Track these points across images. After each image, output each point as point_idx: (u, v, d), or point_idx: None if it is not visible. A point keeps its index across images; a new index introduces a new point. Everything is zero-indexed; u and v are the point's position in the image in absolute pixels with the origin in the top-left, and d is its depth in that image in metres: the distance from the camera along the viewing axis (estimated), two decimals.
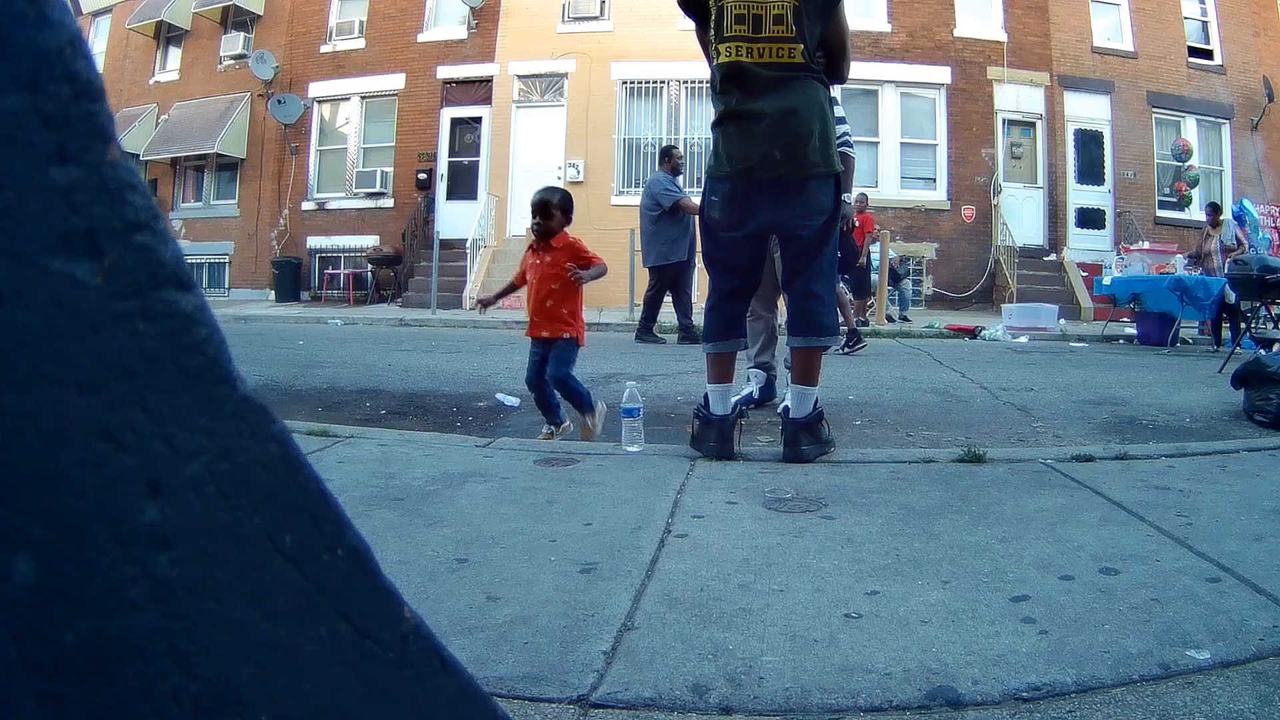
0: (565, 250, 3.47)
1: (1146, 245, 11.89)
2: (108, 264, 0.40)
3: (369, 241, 15.24)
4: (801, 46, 2.69)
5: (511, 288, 3.78)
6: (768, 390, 4.37)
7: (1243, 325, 7.97)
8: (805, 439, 2.85)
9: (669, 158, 8.33)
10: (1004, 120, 14.23)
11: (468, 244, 13.59)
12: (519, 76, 14.65)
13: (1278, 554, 1.87)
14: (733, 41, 2.70)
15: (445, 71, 15.07)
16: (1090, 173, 14.49)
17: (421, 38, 15.35)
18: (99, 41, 17.78)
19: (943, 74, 14.17)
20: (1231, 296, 8.31)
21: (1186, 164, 14.52)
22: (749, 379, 4.34)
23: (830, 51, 2.80)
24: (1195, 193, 14.41)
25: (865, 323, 9.66)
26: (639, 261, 12.62)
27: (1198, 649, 1.39)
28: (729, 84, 2.75)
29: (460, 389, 5.10)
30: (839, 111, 4.01)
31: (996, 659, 1.38)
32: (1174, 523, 2.11)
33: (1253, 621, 1.50)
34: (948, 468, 2.73)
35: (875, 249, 11.68)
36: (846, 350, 7.27)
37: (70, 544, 0.38)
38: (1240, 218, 11.31)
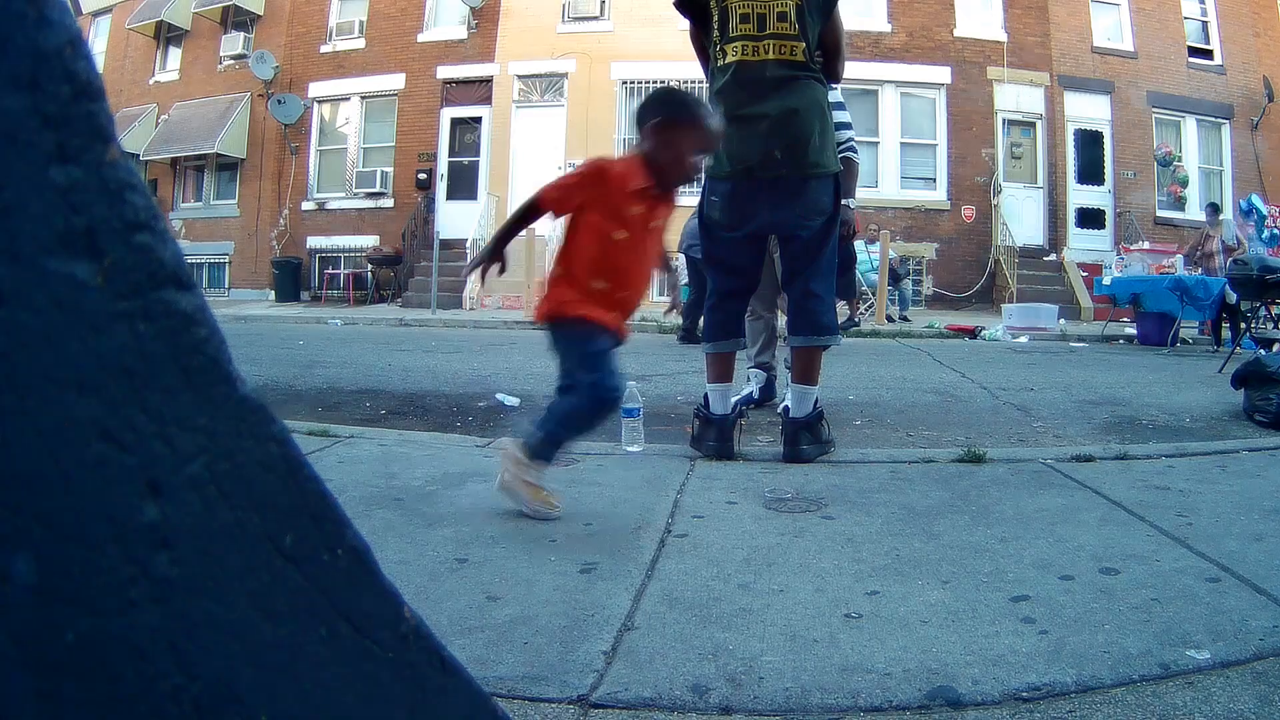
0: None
1: (1146, 245, 11.90)
2: (108, 264, 0.40)
3: (369, 241, 15.25)
4: (804, 45, 2.70)
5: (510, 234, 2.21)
6: (768, 390, 4.37)
7: (1243, 325, 7.97)
8: (805, 439, 2.85)
9: None
10: (1004, 120, 14.23)
11: (468, 244, 13.59)
12: (519, 76, 14.65)
13: (1278, 554, 1.87)
14: (739, 41, 2.70)
15: (445, 71, 15.08)
16: (1090, 173, 14.50)
17: (421, 38, 15.35)
18: (99, 41, 17.77)
19: (943, 74, 14.18)
20: (1232, 297, 8.30)
21: (1172, 166, 14.55)
22: (749, 379, 4.34)
23: (826, 51, 2.80)
24: (1190, 191, 14.42)
25: (856, 323, 9.64)
26: None
27: (1198, 649, 1.39)
28: (733, 84, 2.75)
29: (460, 389, 5.10)
30: (845, 116, 4.00)
31: (996, 659, 1.38)
32: (1174, 523, 2.11)
33: (1253, 621, 1.50)
34: (948, 468, 2.73)
35: (874, 249, 11.70)
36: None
37: (70, 544, 0.38)
38: (1249, 213, 11.30)
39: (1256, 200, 11.68)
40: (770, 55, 2.69)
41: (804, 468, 2.75)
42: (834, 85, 2.98)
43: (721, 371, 3.01)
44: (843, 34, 2.86)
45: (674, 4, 2.88)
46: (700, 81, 2.91)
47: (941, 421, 4.11)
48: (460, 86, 14.99)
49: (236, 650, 0.43)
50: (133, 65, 17.54)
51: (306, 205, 15.89)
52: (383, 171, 15.32)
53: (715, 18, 2.75)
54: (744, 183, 2.79)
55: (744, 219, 2.84)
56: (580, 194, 2.14)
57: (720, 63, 2.77)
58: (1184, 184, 14.48)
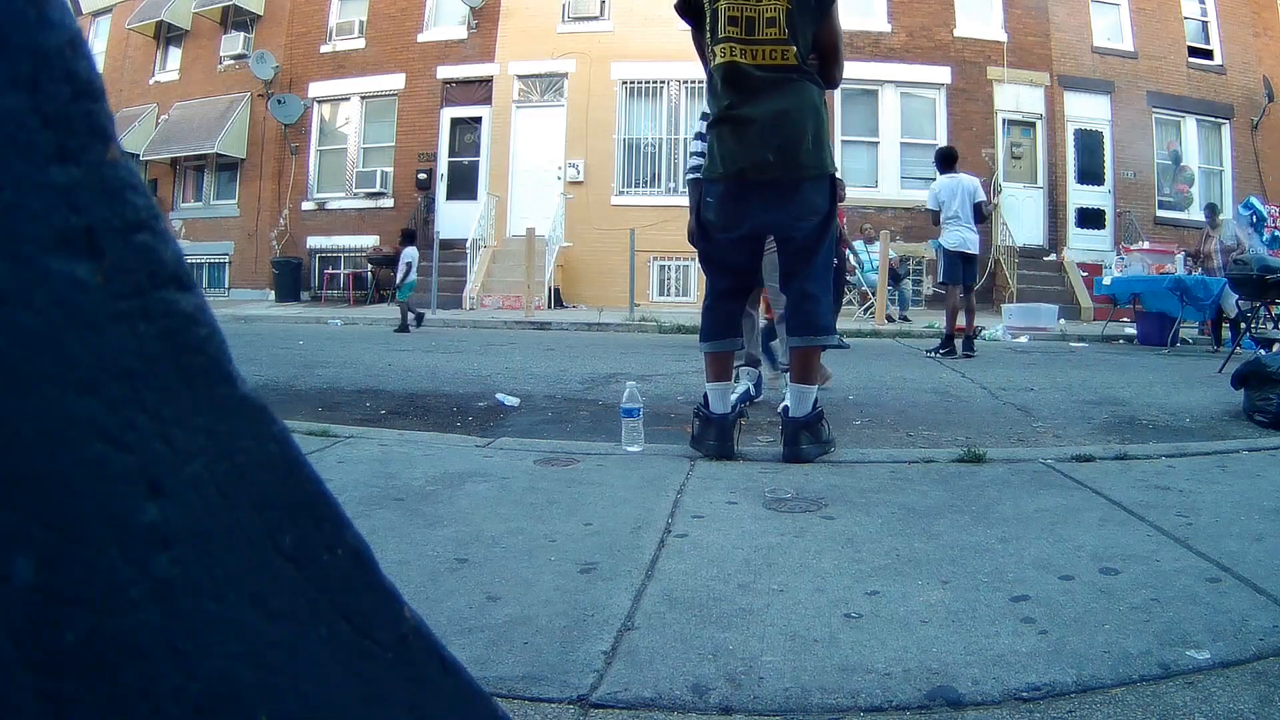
0: None
1: (1146, 245, 11.89)
2: (108, 264, 0.40)
3: (369, 241, 15.23)
4: (794, 49, 2.70)
5: None
6: (759, 388, 4.42)
7: (1242, 325, 7.97)
8: (805, 438, 2.85)
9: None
10: (1004, 120, 14.22)
11: (468, 244, 13.59)
12: (519, 76, 14.64)
13: (1278, 554, 1.87)
14: (726, 43, 2.71)
15: (445, 71, 15.07)
16: (1090, 173, 14.49)
17: (421, 38, 15.34)
18: (99, 41, 17.76)
19: (943, 74, 14.17)
20: (1231, 310, 8.33)
21: (1180, 165, 14.56)
22: (741, 376, 4.34)
23: (822, 54, 2.80)
24: (1195, 190, 14.44)
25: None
26: (639, 261, 12.67)
27: (1198, 649, 1.39)
28: (724, 85, 2.76)
29: (460, 389, 5.10)
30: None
31: (996, 659, 1.38)
32: (1174, 523, 2.11)
33: (1253, 621, 1.50)
34: (948, 468, 2.73)
35: (874, 249, 11.69)
36: (938, 354, 7.38)
37: (70, 544, 0.38)
38: (1253, 218, 11.27)
39: (1255, 201, 11.67)
40: (761, 59, 2.69)
41: (804, 468, 2.75)
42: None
43: (720, 370, 3.02)
44: (840, 37, 2.85)
45: (675, 7, 2.89)
46: (701, 81, 2.92)
47: (941, 421, 4.11)
48: (460, 86, 14.98)
49: (236, 650, 0.42)
50: (133, 65, 17.53)
51: (306, 205, 15.87)
52: (383, 171, 15.30)
53: (708, 19, 2.76)
54: (738, 184, 2.79)
55: (738, 220, 2.85)
56: None
57: (712, 63, 2.78)
58: (1190, 182, 14.50)
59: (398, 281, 10.26)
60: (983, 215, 7.47)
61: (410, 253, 10.34)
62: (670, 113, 14.19)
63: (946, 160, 7.68)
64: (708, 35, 2.78)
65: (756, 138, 2.72)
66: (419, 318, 10.19)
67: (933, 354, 7.48)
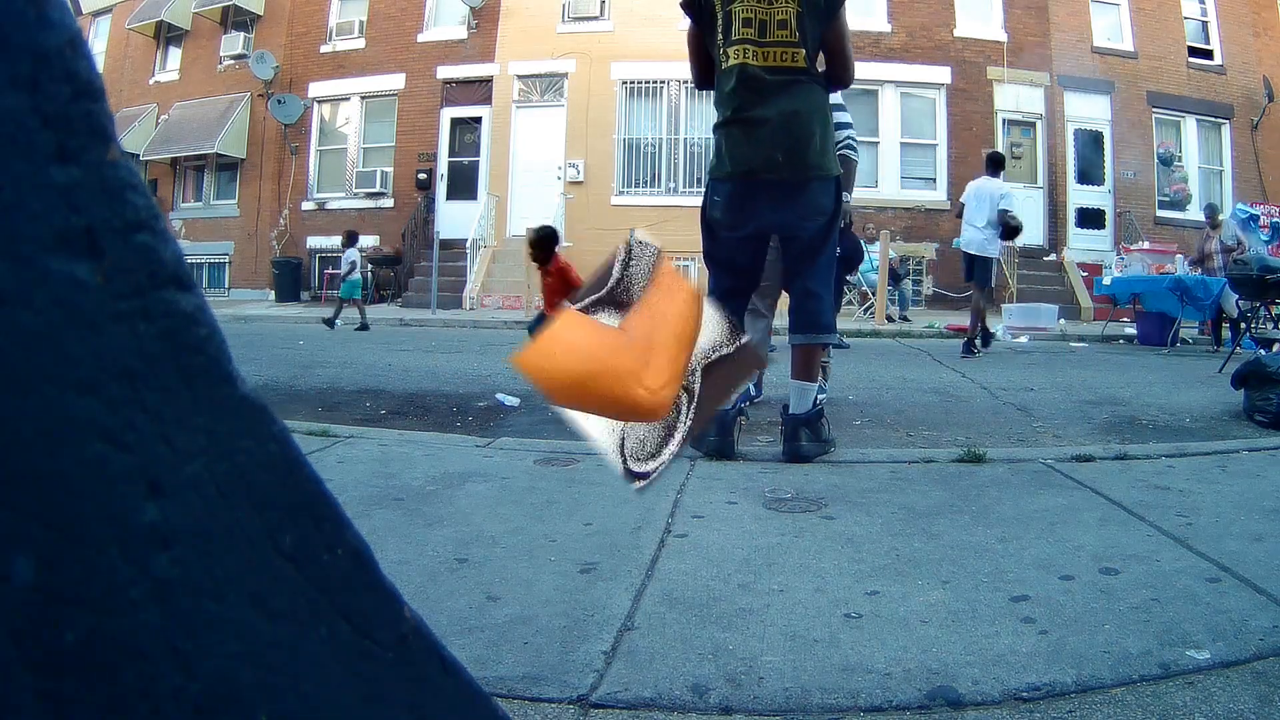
0: None
1: (1146, 245, 11.89)
2: (108, 264, 0.40)
3: (369, 241, 15.19)
4: (804, 51, 2.72)
5: None
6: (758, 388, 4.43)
7: (1242, 325, 7.97)
8: (805, 435, 2.86)
9: None
10: (1004, 120, 14.22)
11: (468, 244, 13.59)
12: (519, 76, 14.64)
13: (1278, 554, 1.87)
14: (740, 45, 2.73)
15: (445, 71, 15.07)
16: (1090, 173, 14.49)
17: (421, 38, 15.34)
18: (99, 41, 17.76)
19: (943, 74, 14.17)
20: (1232, 310, 8.34)
21: (1174, 165, 14.57)
22: None
23: (831, 56, 2.83)
24: (1194, 189, 14.45)
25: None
26: None
27: (1198, 649, 1.39)
28: (736, 87, 2.77)
29: (460, 389, 5.10)
30: (844, 116, 4.03)
31: (996, 659, 1.37)
32: (1174, 523, 2.11)
33: (1253, 621, 1.50)
34: (948, 468, 2.73)
35: (874, 249, 11.68)
36: (969, 353, 7.41)
37: (70, 544, 0.38)
38: (1247, 220, 11.30)
39: (1243, 205, 11.70)
40: (772, 61, 2.71)
41: (804, 468, 2.75)
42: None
43: None
44: (847, 40, 2.85)
45: (680, 4, 2.89)
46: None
47: (941, 421, 4.11)
48: (460, 86, 14.98)
49: (236, 650, 0.43)
50: (133, 65, 17.52)
51: (306, 205, 15.87)
52: (383, 171, 15.30)
53: (719, 21, 2.77)
54: (745, 184, 2.81)
55: (745, 219, 2.87)
56: None
57: (723, 66, 2.79)
58: (1185, 180, 14.53)
59: (342, 276, 10.71)
60: (1009, 229, 7.44)
61: (352, 253, 10.81)
62: (670, 113, 14.19)
63: (990, 163, 7.74)
64: (719, 37, 2.79)
65: (767, 138, 2.74)
66: (363, 325, 10.31)
67: (973, 353, 7.49)
